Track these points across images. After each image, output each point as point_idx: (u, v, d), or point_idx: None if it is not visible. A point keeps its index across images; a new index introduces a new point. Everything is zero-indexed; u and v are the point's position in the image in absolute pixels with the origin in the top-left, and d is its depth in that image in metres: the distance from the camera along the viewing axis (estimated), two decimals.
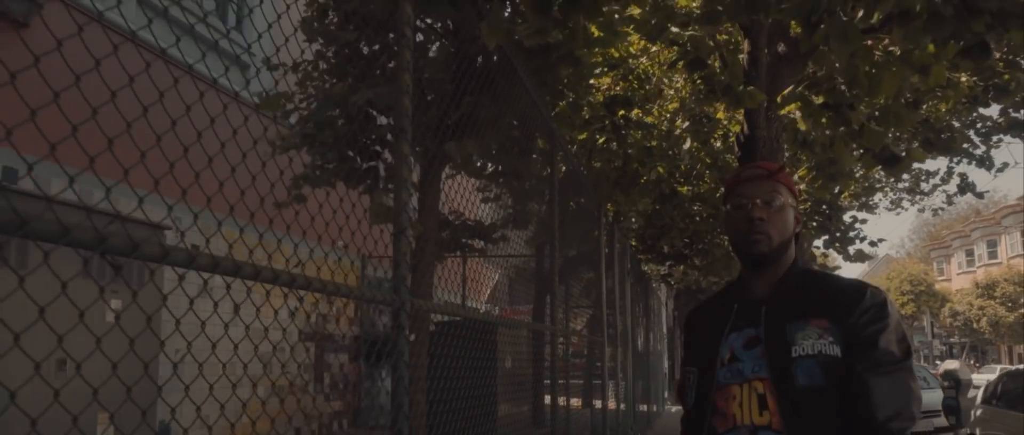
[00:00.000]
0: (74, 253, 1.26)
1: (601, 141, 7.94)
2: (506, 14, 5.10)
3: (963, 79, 6.10)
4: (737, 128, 6.11)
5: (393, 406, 2.14)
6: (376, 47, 5.34)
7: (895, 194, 13.86)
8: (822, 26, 3.40)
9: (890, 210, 16.25)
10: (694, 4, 5.23)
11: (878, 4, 3.35)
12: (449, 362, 4.92)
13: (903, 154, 4.63)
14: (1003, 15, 3.17)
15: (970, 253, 45.26)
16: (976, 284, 38.77)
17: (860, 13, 3.64)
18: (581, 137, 8.05)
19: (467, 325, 5.05)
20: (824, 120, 4.05)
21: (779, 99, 4.47)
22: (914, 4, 3.27)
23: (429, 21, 5.67)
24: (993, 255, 42.09)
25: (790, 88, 4.37)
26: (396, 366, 2.13)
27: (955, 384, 5.78)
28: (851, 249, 10.45)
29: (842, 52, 3.33)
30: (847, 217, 11.09)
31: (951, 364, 17.80)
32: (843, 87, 4.16)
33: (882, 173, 11.84)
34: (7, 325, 1.22)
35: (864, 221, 11.27)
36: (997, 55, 5.44)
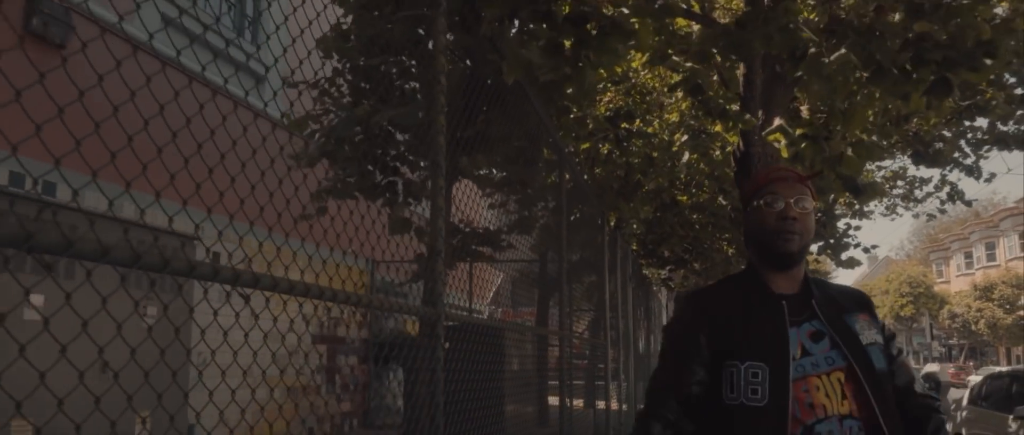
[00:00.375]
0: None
1: (604, 149, 8.28)
2: (513, 32, 5.44)
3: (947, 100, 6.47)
4: (735, 139, 6.47)
5: (431, 405, 2.47)
6: (394, 70, 5.67)
7: (890, 200, 14.21)
8: (804, 61, 3.76)
9: (885, 216, 16.69)
10: (694, 27, 5.57)
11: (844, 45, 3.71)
12: (460, 363, 5.20)
13: (865, 186, 5.02)
14: (949, 62, 3.50)
15: (969, 255, 45.51)
16: (974, 286, 39.03)
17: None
18: (584, 146, 8.40)
19: (475, 328, 5.29)
20: (804, 146, 4.42)
21: (764, 133, 4.87)
22: (856, 61, 3.63)
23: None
24: (991, 258, 42.34)
25: (776, 123, 4.76)
26: (433, 370, 2.47)
27: (935, 385, 6.17)
28: (843, 255, 10.82)
29: (821, 85, 3.69)
30: (841, 224, 11.49)
31: (932, 367, 18.10)
32: (822, 117, 4.54)
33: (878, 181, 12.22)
34: (93, 340, 1.51)
35: (858, 228, 11.66)
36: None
